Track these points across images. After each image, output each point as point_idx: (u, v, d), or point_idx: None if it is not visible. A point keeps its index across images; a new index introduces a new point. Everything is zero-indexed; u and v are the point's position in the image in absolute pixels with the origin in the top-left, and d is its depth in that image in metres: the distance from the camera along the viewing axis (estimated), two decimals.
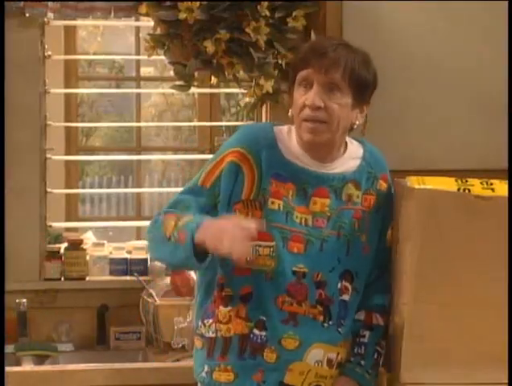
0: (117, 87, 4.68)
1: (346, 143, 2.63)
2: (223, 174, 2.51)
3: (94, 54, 5.33)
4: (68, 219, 4.38)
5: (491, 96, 3.69)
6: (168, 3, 3.64)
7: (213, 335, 2.52)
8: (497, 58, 3.67)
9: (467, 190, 2.82)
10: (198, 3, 3.60)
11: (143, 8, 3.68)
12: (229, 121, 4.91)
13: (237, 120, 5.07)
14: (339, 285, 2.55)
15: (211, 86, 3.96)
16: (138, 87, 4.48)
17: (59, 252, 3.84)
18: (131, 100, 4.51)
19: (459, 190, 2.83)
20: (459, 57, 3.71)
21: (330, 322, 2.55)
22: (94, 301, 3.78)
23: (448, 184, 2.90)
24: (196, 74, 3.76)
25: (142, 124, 4.50)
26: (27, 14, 3.72)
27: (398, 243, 3.02)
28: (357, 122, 2.57)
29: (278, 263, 2.49)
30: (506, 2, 3.74)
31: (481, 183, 2.84)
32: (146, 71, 4.54)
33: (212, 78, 3.77)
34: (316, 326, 2.54)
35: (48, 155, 3.87)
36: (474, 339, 2.95)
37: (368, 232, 2.61)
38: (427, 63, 3.71)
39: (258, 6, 3.62)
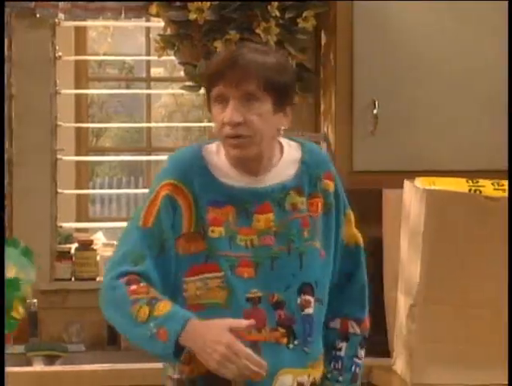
0: (128, 87, 4.69)
1: (282, 147, 2.45)
2: (161, 210, 2.34)
3: (104, 54, 5.34)
4: (78, 220, 4.36)
5: (500, 96, 3.66)
6: (178, 4, 3.64)
7: (179, 376, 2.36)
8: (505, 58, 3.65)
9: (478, 191, 2.81)
10: (208, 4, 3.60)
11: (153, 8, 3.69)
12: None
13: None
14: (299, 301, 2.36)
15: None
16: (148, 87, 4.49)
17: (69, 252, 3.84)
18: (141, 101, 4.53)
19: (470, 191, 2.82)
20: (467, 57, 3.69)
21: (295, 342, 2.36)
22: None
23: (459, 185, 2.88)
24: None
25: (152, 124, 4.51)
26: (38, 15, 3.74)
27: (408, 243, 3.00)
28: (282, 127, 2.40)
29: (230, 293, 2.32)
30: (507, 1, 3.71)
31: (493, 184, 2.83)
32: (156, 71, 4.55)
33: None
34: (281, 350, 2.34)
35: (59, 156, 3.89)
36: (484, 340, 2.93)
37: (321, 237, 2.42)
38: (436, 63, 3.69)
39: (269, 7, 3.62)
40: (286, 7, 3.66)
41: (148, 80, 4.47)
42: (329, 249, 2.43)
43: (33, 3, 3.69)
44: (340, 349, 2.46)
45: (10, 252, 2.10)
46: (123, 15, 3.81)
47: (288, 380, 2.34)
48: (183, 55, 3.73)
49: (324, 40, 3.80)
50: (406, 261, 3.02)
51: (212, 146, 2.42)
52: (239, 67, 2.31)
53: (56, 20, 3.80)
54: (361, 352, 2.48)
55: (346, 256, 2.48)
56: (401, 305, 3.04)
